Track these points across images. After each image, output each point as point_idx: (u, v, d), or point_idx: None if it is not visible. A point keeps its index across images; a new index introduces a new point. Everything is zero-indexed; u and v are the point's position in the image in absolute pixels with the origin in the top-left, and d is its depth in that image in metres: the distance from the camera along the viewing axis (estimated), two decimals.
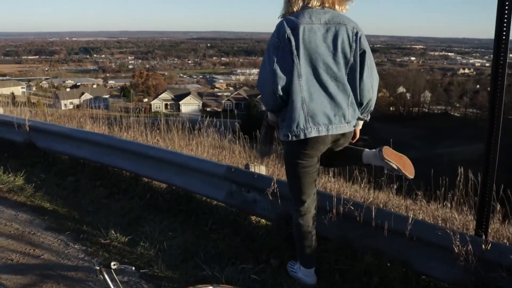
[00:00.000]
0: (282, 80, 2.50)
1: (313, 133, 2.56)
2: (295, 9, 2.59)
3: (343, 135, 2.70)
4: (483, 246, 2.54)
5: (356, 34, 2.55)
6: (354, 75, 2.58)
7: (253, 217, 3.81)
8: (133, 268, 1.95)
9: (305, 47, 2.49)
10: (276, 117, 2.72)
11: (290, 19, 2.53)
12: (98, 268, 2.06)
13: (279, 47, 2.51)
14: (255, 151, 3.07)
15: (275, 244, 3.33)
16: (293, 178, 2.79)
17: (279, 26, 2.54)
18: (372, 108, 2.73)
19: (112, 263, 1.98)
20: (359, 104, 2.66)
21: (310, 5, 2.57)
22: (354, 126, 2.71)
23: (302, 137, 2.56)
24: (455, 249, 2.57)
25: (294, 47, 2.49)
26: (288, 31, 2.49)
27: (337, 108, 2.57)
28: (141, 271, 3.12)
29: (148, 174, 4.56)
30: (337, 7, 2.62)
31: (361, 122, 2.82)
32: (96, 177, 4.89)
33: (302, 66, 2.51)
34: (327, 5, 2.59)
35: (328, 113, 2.56)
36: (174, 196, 4.32)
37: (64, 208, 4.25)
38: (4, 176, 4.98)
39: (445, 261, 2.70)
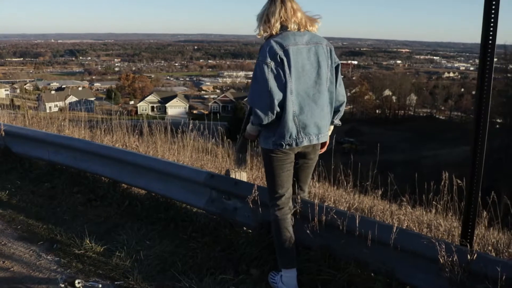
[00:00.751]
0: (278, 97, 2.69)
1: (304, 142, 2.81)
2: (274, 32, 2.78)
3: (317, 145, 2.95)
4: (468, 256, 2.45)
5: (330, 50, 2.86)
6: (332, 86, 2.87)
7: (234, 225, 3.69)
8: (100, 285, 1.83)
9: (295, 65, 2.71)
10: (259, 130, 2.87)
11: (279, 42, 2.73)
12: (62, 286, 1.94)
13: (272, 67, 2.69)
14: (232, 159, 3.14)
15: (256, 253, 3.22)
16: (270, 172, 2.94)
17: (270, 48, 2.71)
18: (342, 113, 3.04)
19: (77, 281, 1.87)
20: (336, 110, 2.96)
21: (288, 28, 2.79)
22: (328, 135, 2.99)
23: (294, 146, 2.79)
24: (441, 259, 2.48)
25: (286, 67, 2.69)
26: (280, 52, 2.69)
27: (325, 119, 2.85)
28: (115, 283, 2.99)
29: (127, 180, 4.42)
30: (309, 28, 2.85)
31: (332, 127, 3.07)
32: (74, 183, 4.73)
33: (294, 83, 2.72)
34: (302, 29, 2.83)
35: (318, 124, 2.82)
36: (153, 203, 4.18)
37: (38, 217, 4.09)
38: None
39: (430, 272, 2.61)
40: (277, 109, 2.69)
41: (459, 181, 3.75)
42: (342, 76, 3.03)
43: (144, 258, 3.28)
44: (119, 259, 3.27)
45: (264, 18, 2.80)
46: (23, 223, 3.97)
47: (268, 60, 2.69)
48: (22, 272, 3.18)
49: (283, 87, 2.69)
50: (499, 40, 2.75)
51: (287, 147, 2.78)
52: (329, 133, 3.01)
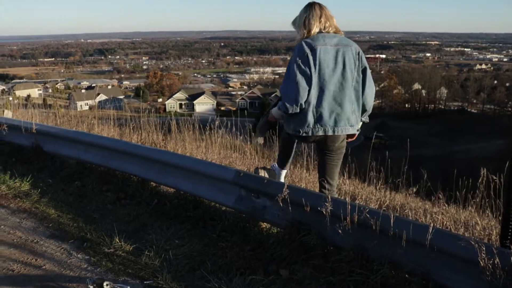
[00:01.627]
0: (304, 91, 3.06)
1: (320, 133, 3.16)
2: (312, 33, 3.17)
3: (341, 136, 3.24)
4: (511, 259, 2.32)
5: (358, 53, 3.16)
6: (358, 86, 3.17)
7: (264, 224, 3.63)
8: (128, 287, 1.81)
9: (320, 63, 3.06)
10: (282, 116, 3.33)
11: (308, 42, 3.11)
12: (91, 287, 1.93)
13: (300, 64, 3.06)
14: (253, 137, 3.94)
15: (286, 254, 3.15)
16: (284, 143, 3.69)
17: (300, 48, 3.10)
18: (370, 111, 3.35)
19: (105, 283, 1.85)
20: (363, 110, 3.27)
21: (324, 31, 3.18)
22: (357, 130, 3.30)
23: (310, 134, 3.16)
24: (481, 262, 2.36)
25: (312, 64, 3.05)
26: (308, 51, 3.07)
27: (343, 114, 3.14)
28: (145, 282, 2.97)
29: (156, 178, 4.42)
30: (340, 33, 3.25)
31: (360, 123, 3.37)
32: (103, 181, 4.75)
33: (317, 79, 3.07)
34: (337, 32, 3.22)
35: (335, 117, 3.14)
36: (182, 201, 4.16)
37: (69, 215, 4.12)
38: (10, 182, 4.88)
39: (469, 274, 2.49)
40: (302, 102, 3.07)
41: (495, 177, 3.60)
42: (370, 71, 3.24)
43: (173, 257, 3.25)
44: (148, 258, 3.26)
45: (306, 22, 3.19)
46: (54, 221, 4.01)
47: (297, 58, 3.07)
48: (54, 270, 3.20)
49: (309, 82, 3.05)
50: None
51: (304, 134, 3.17)
52: (355, 128, 3.28)
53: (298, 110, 3.10)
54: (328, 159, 3.36)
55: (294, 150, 3.70)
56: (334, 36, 3.16)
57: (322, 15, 3.19)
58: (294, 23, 3.32)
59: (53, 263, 3.29)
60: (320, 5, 3.23)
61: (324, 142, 3.26)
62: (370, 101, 3.27)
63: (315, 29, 3.17)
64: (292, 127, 3.23)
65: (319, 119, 3.12)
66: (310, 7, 3.22)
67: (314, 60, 3.05)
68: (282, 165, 3.86)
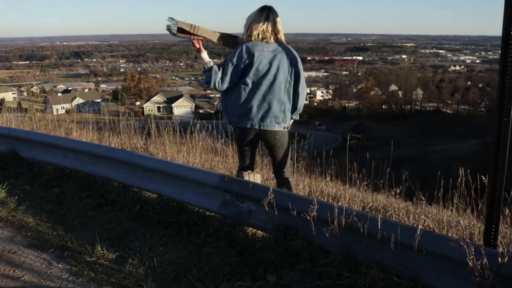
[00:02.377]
0: (223, 81, 3.49)
1: (247, 125, 3.54)
2: (253, 39, 3.46)
3: (272, 132, 3.56)
4: (499, 259, 2.33)
5: (292, 59, 3.50)
6: (291, 88, 3.52)
7: (249, 229, 3.59)
8: None
9: (256, 67, 3.44)
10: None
11: (248, 46, 3.45)
12: None
13: (234, 64, 3.46)
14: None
15: (273, 258, 3.11)
16: (237, 148, 3.89)
17: (240, 51, 3.46)
18: (301, 110, 3.69)
19: None
20: (293, 109, 3.60)
21: (265, 39, 3.47)
22: (284, 128, 3.58)
23: (239, 125, 3.58)
24: (469, 262, 2.36)
25: (248, 67, 3.44)
26: (246, 55, 3.44)
27: (271, 112, 3.49)
28: None
29: (137, 184, 4.33)
30: (283, 40, 3.53)
31: (291, 121, 3.70)
32: (83, 188, 4.63)
33: (249, 80, 3.47)
34: (277, 40, 3.50)
35: (263, 114, 3.50)
36: (165, 207, 4.08)
37: (48, 223, 3.99)
38: None
39: (457, 275, 2.50)
40: (217, 86, 3.49)
41: (484, 178, 3.64)
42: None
43: (157, 265, 3.17)
44: (132, 267, 3.17)
45: (251, 27, 3.45)
46: (33, 230, 3.88)
47: (234, 60, 3.45)
48: (33, 281, 3.09)
49: (235, 80, 3.47)
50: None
51: (232, 124, 3.61)
52: (282, 126, 3.58)
53: (210, 87, 3.55)
54: (269, 150, 3.72)
55: (251, 155, 3.83)
56: (272, 44, 3.47)
57: (265, 23, 3.43)
58: (247, 20, 3.53)
59: (32, 274, 3.18)
60: (268, 13, 3.44)
61: (263, 137, 3.61)
62: (300, 102, 3.60)
63: (254, 36, 3.44)
64: (226, 117, 3.67)
65: (247, 113, 3.49)
66: (260, 13, 3.45)
67: (251, 63, 3.41)
68: (240, 165, 3.92)
